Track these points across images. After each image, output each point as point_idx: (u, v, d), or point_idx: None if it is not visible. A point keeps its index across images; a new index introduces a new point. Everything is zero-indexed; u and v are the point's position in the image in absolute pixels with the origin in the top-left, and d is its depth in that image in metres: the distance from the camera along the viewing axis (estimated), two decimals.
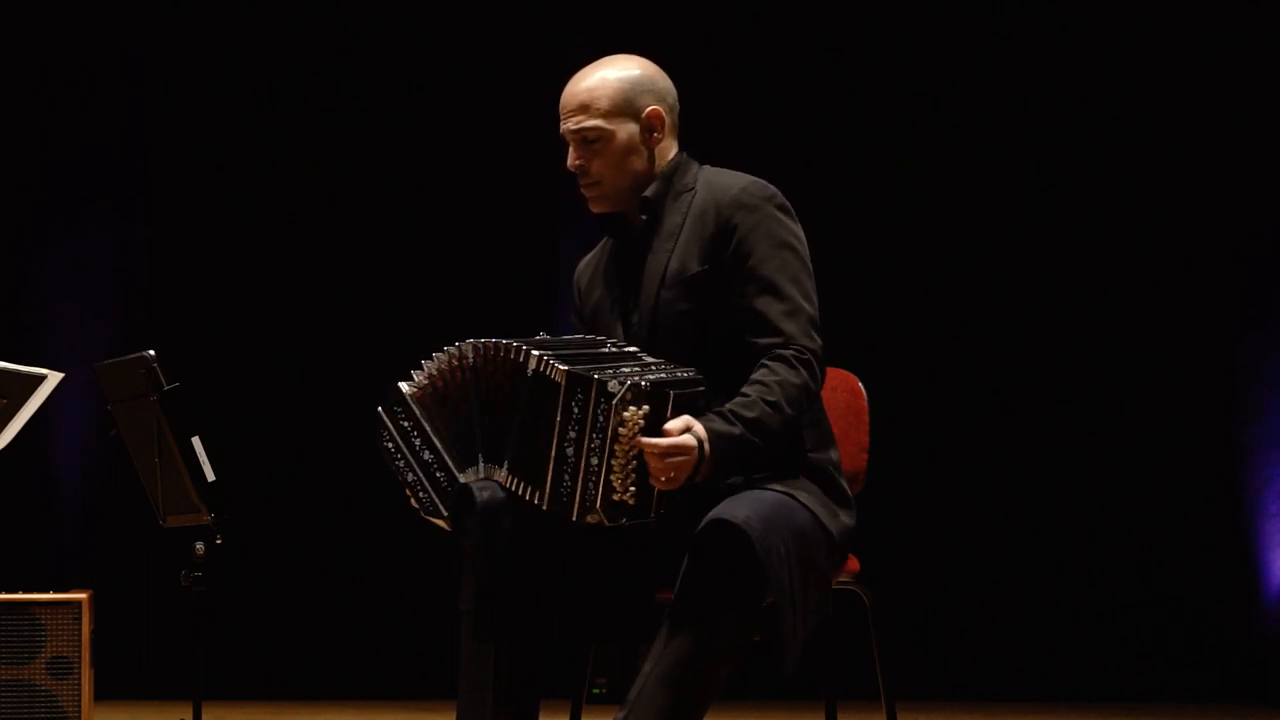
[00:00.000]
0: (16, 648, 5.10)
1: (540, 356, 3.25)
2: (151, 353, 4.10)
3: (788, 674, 3.19)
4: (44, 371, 4.50)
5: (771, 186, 3.45)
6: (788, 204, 3.45)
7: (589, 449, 3.16)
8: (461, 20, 6.81)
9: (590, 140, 3.46)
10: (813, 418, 3.44)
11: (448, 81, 6.78)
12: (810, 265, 3.40)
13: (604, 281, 3.57)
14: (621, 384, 3.15)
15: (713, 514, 3.18)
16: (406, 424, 3.42)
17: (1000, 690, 6.48)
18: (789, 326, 3.34)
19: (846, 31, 6.69)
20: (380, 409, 3.45)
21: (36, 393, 4.48)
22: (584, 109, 3.46)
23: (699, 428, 3.20)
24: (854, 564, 3.61)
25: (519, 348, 3.29)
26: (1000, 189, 6.62)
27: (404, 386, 3.43)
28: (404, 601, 6.58)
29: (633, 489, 3.17)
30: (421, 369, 3.43)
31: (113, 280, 6.80)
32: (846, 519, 3.42)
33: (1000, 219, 6.61)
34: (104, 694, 5.66)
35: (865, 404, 3.88)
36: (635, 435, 3.16)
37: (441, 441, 3.40)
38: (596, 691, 5.77)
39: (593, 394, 3.15)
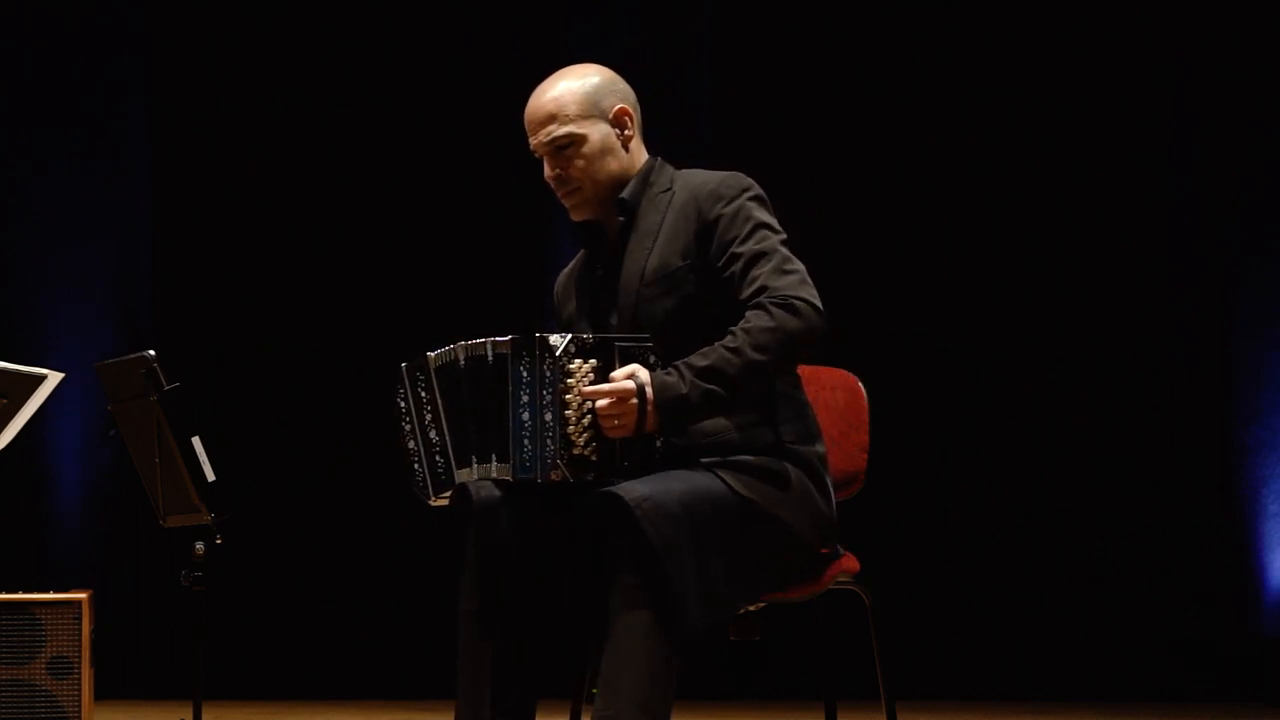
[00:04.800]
0: (16, 648, 5.09)
1: (497, 341, 3.30)
2: (151, 353, 4.10)
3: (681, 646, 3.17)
4: (44, 371, 4.49)
5: (748, 178, 3.48)
6: (764, 195, 3.47)
7: (541, 407, 3.22)
8: (459, 20, 6.81)
9: (564, 147, 3.49)
10: (794, 412, 3.45)
11: (446, 82, 6.78)
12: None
13: (580, 289, 3.59)
14: (564, 338, 3.22)
15: (615, 488, 3.19)
16: (424, 394, 3.43)
17: (1000, 690, 6.48)
18: (771, 281, 3.33)
19: (847, 31, 6.69)
20: (404, 367, 3.45)
21: (36, 393, 4.48)
22: (552, 118, 3.49)
23: (642, 374, 3.23)
24: (854, 564, 3.61)
25: (489, 343, 3.33)
26: (1000, 188, 6.61)
27: (431, 356, 3.43)
28: (404, 601, 6.58)
29: (593, 444, 3.21)
30: (445, 353, 3.43)
31: (113, 280, 6.80)
32: (825, 508, 3.45)
33: (1000, 219, 6.60)
34: (104, 694, 5.66)
35: (865, 404, 3.87)
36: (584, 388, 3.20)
37: (449, 429, 3.41)
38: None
39: (537, 352, 3.22)
